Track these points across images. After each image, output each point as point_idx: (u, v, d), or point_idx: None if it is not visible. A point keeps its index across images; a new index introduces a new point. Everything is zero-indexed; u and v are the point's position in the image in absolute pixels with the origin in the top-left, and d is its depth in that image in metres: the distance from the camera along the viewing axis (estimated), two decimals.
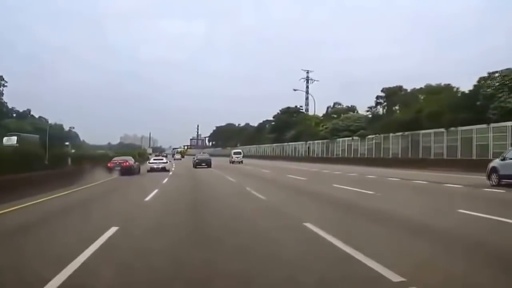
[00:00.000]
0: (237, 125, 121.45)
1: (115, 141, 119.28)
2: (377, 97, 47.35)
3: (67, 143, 33.59)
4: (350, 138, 48.52)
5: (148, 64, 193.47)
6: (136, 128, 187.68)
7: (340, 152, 50.68)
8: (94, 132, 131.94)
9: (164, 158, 36.82)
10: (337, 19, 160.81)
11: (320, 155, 55.68)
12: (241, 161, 47.96)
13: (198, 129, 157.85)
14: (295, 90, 61.14)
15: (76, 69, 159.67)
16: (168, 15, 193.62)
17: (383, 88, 47.72)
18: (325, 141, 54.14)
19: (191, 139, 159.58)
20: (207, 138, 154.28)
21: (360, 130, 50.50)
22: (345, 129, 51.55)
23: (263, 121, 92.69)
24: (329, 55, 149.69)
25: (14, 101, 76.34)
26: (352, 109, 58.63)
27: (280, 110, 73.87)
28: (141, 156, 48.97)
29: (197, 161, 37.36)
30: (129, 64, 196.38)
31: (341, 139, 50.69)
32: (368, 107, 48.60)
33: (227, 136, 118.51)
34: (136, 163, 29.46)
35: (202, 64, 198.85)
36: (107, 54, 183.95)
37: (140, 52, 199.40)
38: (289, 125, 68.86)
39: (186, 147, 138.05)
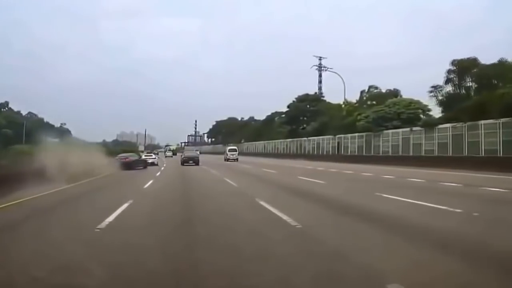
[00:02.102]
0: (239, 119, 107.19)
1: (112, 138, 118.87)
2: (449, 72, 33.30)
3: (56, 139, 32.50)
4: (408, 129, 34.57)
5: (146, 61, 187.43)
6: (133, 126, 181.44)
7: (390, 149, 36.65)
8: (90, 129, 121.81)
9: (154, 155, 40.54)
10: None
11: (356, 152, 41.62)
12: (237, 159, 46.64)
13: (196, 125, 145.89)
14: (315, 67, 46.31)
15: (72, 66, 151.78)
16: (165, 11, 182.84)
17: (453, 61, 33.73)
18: (364, 134, 40.14)
19: (188, 136, 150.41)
20: (206, 135, 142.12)
21: (415, 118, 36.67)
22: (394, 117, 37.64)
23: (272, 114, 78.64)
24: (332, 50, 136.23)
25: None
26: (395, 93, 44.65)
27: (296, 98, 59.73)
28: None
29: (184, 158, 36.11)
30: (127, 62, 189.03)
31: (390, 131, 36.72)
32: (432, 87, 34.64)
33: (228, 132, 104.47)
34: (141, 159, 33.43)
35: (200, 60, 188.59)
36: (105, 51, 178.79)
37: (138, 49, 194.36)
38: (308, 116, 54.92)
39: (184, 144, 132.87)
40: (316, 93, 58.57)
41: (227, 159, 46.97)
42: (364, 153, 40.09)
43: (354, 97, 51.62)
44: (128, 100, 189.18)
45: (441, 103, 34.45)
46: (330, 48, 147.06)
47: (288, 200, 10.55)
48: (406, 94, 43.69)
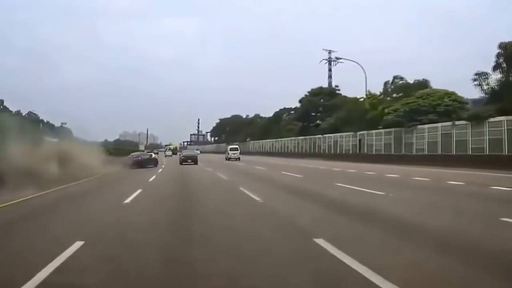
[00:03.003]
0: (244, 116, 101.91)
1: (115, 138, 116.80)
2: (498, 55, 28.04)
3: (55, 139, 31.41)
4: (449, 123, 29.42)
5: (149, 61, 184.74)
6: (136, 125, 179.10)
7: (426, 146, 31.48)
8: (93, 129, 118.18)
9: (153, 154, 39.69)
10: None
11: (382, 150, 36.46)
12: (238, 158, 45.72)
13: (198, 124, 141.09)
14: (337, 59, 41.06)
15: (74, 66, 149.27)
16: (167, 11, 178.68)
17: (500, 44, 28.49)
18: (392, 130, 34.98)
19: (191, 135, 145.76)
20: (209, 134, 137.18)
21: (453, 111, 31.54)
22: (429, 110, 32.48)
23: (280, 110, 73.39)
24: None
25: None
26: (424, 83, 39.40)
27: (309, 92, 54.44)
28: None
29: (182, 157, 36.30)
30: (129, 61, 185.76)
31: (426, 126, 31.55)
32: (476, 74, 29.38)
33: (233, 130, 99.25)
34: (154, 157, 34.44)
35: (202, 59, 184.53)
36: (107, 51, 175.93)
37: (140, 49, 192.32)
38: (322, 111, 49.76)
39: (186, 143, 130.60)
40: (336, 86, 53.11)
41: (228, 158, 46.02)
42: (392, 152, 34.92)
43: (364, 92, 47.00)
44: (130, 99, 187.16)
45: (488, 92, 29.23)
46: (337, 43, 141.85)
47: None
48: (435, 85, 38.51)
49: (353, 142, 41.46)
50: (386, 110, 35.04)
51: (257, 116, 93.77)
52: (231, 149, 49.06)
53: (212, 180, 17.21)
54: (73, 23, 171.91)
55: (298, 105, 61.70)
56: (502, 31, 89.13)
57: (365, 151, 39.18)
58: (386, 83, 41.66)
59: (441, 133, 30.03)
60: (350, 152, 41.82)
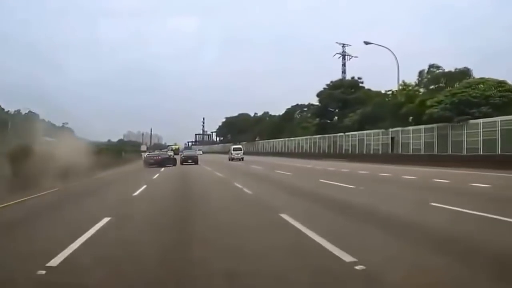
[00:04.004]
0: (252, 115, 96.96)
1: (119, 138, 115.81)
2: None
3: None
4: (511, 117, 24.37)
5: (152, 60, 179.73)
6: (140, 126, 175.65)
7: (481, 145, 26.37)
8: (96, 129, 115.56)
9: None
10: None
11: (422, 150, 31.38)
12: (242, 158, 45.13)
13: (203, 123, 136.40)
14: (366, 43, 35.97)
15: (77, 66, 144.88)
16: (174, 8, 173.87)
17: None
18: (434, 126, 29.89)
19: (196, 135, 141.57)
20: (214, 133, 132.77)
21: (508, 103, 26.53)
22: (481, 102, 27.42)
23: (292, 106, 68.45)
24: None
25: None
26: (465, 72, 34.39)
27: (328, 85, 49.29)
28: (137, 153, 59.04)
29: (183, 157, 36.52)
30: (132, 61, 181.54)
31: (481, 121, 26.44)
32: None
33: (240, 129, 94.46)
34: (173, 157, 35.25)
35: (207, 59, 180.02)
36: (109, 51, 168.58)
37: (143, 48, 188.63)
38: (343, 106, 44.75)
39: (191, 143, 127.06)
40: (358, 78, 47.77)
41: (231, 159, 45.14)
42: (435, 152, 29.86)
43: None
44: (135, 100, 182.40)
45: None
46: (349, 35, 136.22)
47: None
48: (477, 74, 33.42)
49: (384, 141, 36.39)
50: (428, 103, 29.92)
51: (266, 114, 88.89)
52: (235, 149, 48.07)
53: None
54: (74, 23, 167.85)
55: (313, 101, 56.89)
56: None
57: (399, 151, 34.08)
58: (421, 73, 36.54)
59: (500, 129, 24.95)
60: (380, 152, 36.76)
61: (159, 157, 32.37)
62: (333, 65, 75.41)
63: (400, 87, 34.80)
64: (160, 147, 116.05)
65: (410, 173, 18.03)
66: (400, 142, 34.13)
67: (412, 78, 38.45)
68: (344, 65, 78.18)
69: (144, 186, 14.16)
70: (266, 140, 73.29)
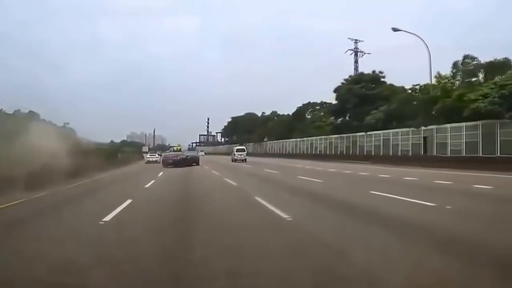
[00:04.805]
0: (260, 115, 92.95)
1: (123, 138, 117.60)
2: None
3: None
4: None
5: (156, 61, 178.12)
6: (144, 127, 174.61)
7: None
8: (100, 129, 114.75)
9: (157, 155, 48.73)
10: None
11: (463, 151, 27.24)
12: (245, 159, 44.42)
13: (208, 124, 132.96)
14: (394, 30, 31.89)
15: (80, 67, 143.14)
16: (179, 8, 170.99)
17: None
18: (479, 123, 25.77)
19: (200, 135, 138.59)
20: (219, 134, 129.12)
21: None
22: None
23: (304, 105, 64.36)
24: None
25: None
26: (506, 63, 30.25)
27: (346, 80, 45.13)
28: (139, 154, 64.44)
29: None
30: (136, 62, 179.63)
31: None
32: None
33: (246, 129, 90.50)
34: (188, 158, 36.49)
35: (211, 59, 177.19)
36: (113, 52, 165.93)
37: (147, 49, 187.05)
38: (365, 102, 40.68)
39: (195, 144, 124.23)
40: (380, 72, 43.48)
41: (234, 160, 44.59)
42: (480, 153, 25.76)
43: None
44: (138, 101, 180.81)
45: None
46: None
47: None
48: None
49: (415, 141, 32.29)
50: (471, 96, 25.80)
51: (274, 114, 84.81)
52: (237, 150, 47.17)
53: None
54: (76, 24, 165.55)
55: (325, 98, 52.89)
56: None
57: (434, 152, 29.97)
58: (455, 64, 32.32)
59: None
60: (410, 153, 32.66)
61: (177, 157, 34.09)
62: (345, 62, 71.02)
63: (434, 80, 30.67)
64: (162, 148, 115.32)
65: (444, 178, 15.47)
66: (434, 142, 30.02)
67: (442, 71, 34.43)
68: (356, 62, 74.34)
69: (129, 201, 10.06)
70: (275, 141, 69.25)
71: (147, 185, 15.70)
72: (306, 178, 17.47)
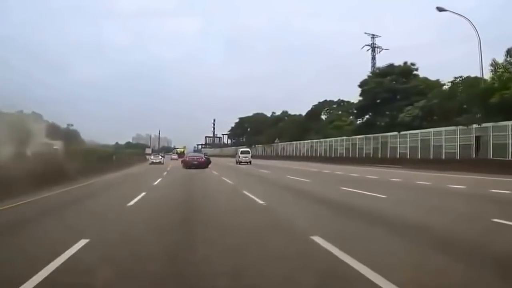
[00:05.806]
0: (269, 115, 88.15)
1: (128, 140, 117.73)
2: None
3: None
4: None
5: (161, 63, 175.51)
6: (150, 128, 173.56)
7: None
8: (105, 131, 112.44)
9: (160, 156, 50.54)
10: None
11: None
12: (249, 162, 42.96)
13: (214, 125, 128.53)
14: (440, 10, 27.11)
15: (84, 68, 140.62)
16: (184, 10, 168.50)
17: None
18: None
19: (206, 137, 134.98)
20: (225, 136, 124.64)
21: None
22: None
23: (319, 103, 59.47)
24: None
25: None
26: None
27: (373, 73, 40.19)
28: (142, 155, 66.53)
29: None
30: (141, 64, 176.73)
31: None
32: None
33: (255, 130, 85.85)
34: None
35: (217, 60, 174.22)
36: (117, 53, 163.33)
37: (151, 50, 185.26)
38: (395, 98, 35.76)
39: (201, 146, 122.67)
40: (412, 64, 38.29)
41: (238, 162, 43.38)
42: None
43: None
44: (144, 103, 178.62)
45: None
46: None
47: None
48: None
49: (463, 141, 27.35)
50: None
51: (285, 114, 80.00)
52: (242, 152, 45.77)
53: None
54: (79, 24, 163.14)
55: (342, 97, 48.04)
56: None
57: (490, 154, 25.06)
58: (509, 51, 27.36)
59: None
60: (457, 156, 27.71)
61: (202, 159, 34.29)
62: (354, 62, 66.50)
63: (490, 69, 25.78)
64: (167, 150, 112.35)
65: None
66: (490, 143, 25.12)
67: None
68: (374, 58, 69.31)
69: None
70: (288, 142, 64.39)
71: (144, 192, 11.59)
72: (371, 194, 12.63)
